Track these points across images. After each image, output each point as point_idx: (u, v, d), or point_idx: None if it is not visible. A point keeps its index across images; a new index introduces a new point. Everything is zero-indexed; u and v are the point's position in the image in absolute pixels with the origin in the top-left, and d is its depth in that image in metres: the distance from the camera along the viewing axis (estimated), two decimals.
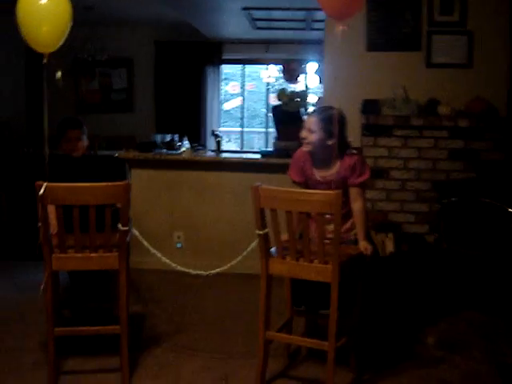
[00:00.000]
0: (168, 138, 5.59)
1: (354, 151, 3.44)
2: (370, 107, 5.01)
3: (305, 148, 3.38)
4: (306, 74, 5.72)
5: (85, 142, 4.12)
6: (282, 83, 10.01)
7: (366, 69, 5.11)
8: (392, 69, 5.09)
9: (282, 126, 5.35)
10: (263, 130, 9.87)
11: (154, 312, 4.25)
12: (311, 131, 3.32)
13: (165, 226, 5.37)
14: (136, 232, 3.49)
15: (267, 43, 8.92)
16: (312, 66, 7.72)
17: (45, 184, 2.89)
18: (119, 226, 3.05)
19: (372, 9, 5.03)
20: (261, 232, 2.98)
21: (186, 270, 3.98)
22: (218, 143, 5.48)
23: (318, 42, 7.98)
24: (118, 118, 9.04)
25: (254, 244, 3.46)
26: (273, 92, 10.61)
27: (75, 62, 8.87)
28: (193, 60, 9.14)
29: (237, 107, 10.20)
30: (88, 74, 9.18)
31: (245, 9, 6.62)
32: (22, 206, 6.55)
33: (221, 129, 9.43)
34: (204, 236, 5.36)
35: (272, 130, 10.12)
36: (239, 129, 9.88)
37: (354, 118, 4.61)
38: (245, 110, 9.87)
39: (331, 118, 3.26)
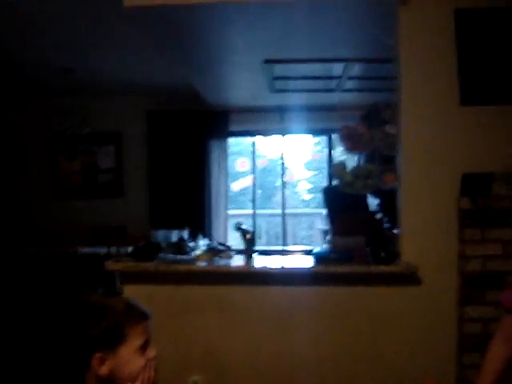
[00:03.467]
0: (174, 235, 3.95)
1: None
2: (474, 185, 3.42)
3: None
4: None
5: None
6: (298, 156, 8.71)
7: (461, 131, 3.56)
8: (500, 129, 3.51)
9: (341, 216, 3.74)
10: (279, 212, 8.27)
11: None
12: None
13: (175, 366, 3.58)
14: None
15: (284, 110, 7.44)
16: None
17: None
18: None
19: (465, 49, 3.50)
20: None
21: None
22: (249, 241, 3.78)
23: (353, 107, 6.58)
24: (105, 205, 7.60)
25: None
26: (287, 168, 9.18)
27: (51, 137, 7.51)
28: (194, 133, 7.72)
29: (247, 187, 8.69)
30: (67, 151, 7.73)
31: (267, 61, 5.16)
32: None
33: (229, 212, 7.93)
34: (233, 380, 3.61)
35: (294, 211, 8.73)
36: (250, 211, 8.29)
37: (448, 202, 3.43)
38: (257, 190, 8.33)
39: None
